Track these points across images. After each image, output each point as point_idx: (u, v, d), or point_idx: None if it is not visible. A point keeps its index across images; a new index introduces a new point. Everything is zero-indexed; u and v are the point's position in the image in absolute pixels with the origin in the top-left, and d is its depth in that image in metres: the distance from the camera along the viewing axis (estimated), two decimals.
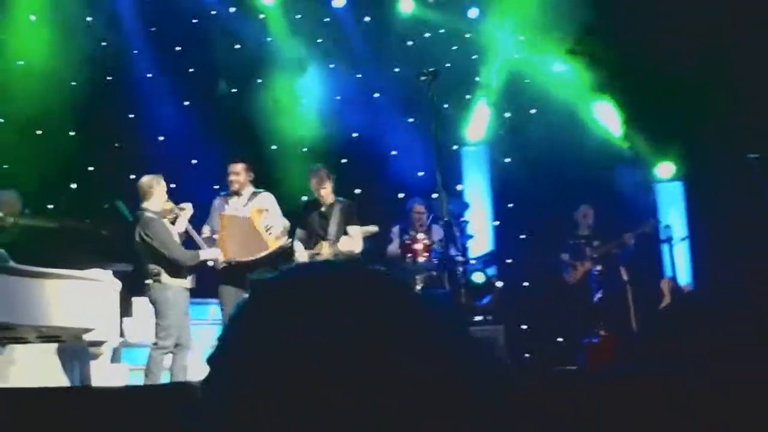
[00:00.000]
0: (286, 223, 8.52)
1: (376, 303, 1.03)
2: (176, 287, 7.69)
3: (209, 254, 7.99)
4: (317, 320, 0.98)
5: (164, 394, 5.32)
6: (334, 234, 8.63)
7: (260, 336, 1.01)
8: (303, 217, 8.77)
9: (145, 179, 7.94)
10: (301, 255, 8.61)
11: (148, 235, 7.67)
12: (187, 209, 8.11)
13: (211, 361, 1.07)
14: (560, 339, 10.49)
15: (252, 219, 8.30)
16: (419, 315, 1.06)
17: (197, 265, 7.84)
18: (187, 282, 7.78)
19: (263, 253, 8.20)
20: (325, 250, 8.59)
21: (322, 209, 8.75)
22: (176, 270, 7.69)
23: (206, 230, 8.45)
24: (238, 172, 8.55)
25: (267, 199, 8.59)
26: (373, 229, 9.08)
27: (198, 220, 8.33)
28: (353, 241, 8.61)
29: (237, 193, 8.55)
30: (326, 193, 8.72)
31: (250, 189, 8.60)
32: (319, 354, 0.96)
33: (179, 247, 7.74)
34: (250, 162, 8.70)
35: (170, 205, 7.97)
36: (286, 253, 8.61)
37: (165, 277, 7.66)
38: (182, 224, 8.05)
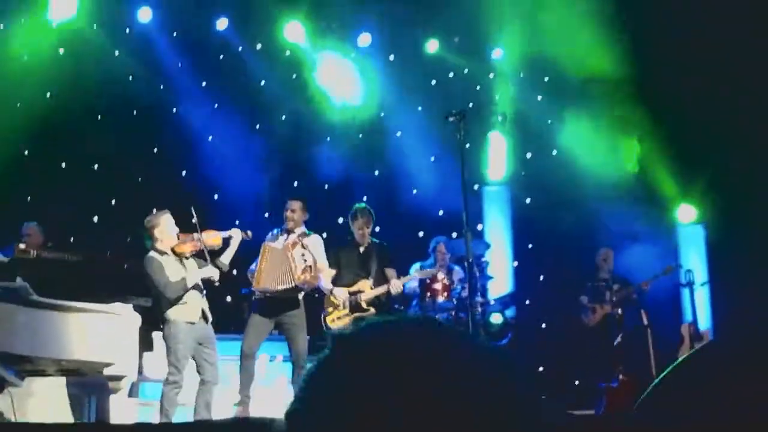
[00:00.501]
0: (325, 265, 8.53)
1: (458, 362, 1.03)
2: (180, 322, 7.66)
3: (203, 273, 7.82)
4: (399, 377, 0.99)
5: None
6: (375, 274, 8.72)
7: (340, 391, 1.01)
8: (337, 256, 8.83)
9: (147, 220, 7.96)
10: (340, 293, 8.64)
11: (144, 274, 7.72)
12: (235, 236, 8.09)
13: (289, 415, 1.06)
14: (579, 382, 10.42)
15: (285, 251, 8.30)
16: (500, 375, 1.07)
17: (183, 288, 7.66)
18: (193, 316, 7.70)
19: (288, 285, 8.20)
20: (367, 289, 8.67)
21: (361, 249, 8.84)
22: (178, 305, 7.69)
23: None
24: (295, 210, 8.58)
25: (314, 241, 8.61)
26: (433, 271, 9.17)
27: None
28: (399, 284, 8.73)
29: (290, 231, 8.56)
30: (368, 233, 8.80)
31: (302, 229, 8.61)
32: (401, 411, 0.96)
33: (167, 281, 7.66)
34: (307, 201, 8.74)
35: (192, 238, 7.91)
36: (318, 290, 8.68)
37: (169, 313, 7.68)
38: (230, 254, 8.03)
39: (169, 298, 7.66)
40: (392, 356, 1.02)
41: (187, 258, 7.90)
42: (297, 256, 8.27)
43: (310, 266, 8.28)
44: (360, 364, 1.02)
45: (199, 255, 7.90)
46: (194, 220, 7.93)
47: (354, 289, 8.75)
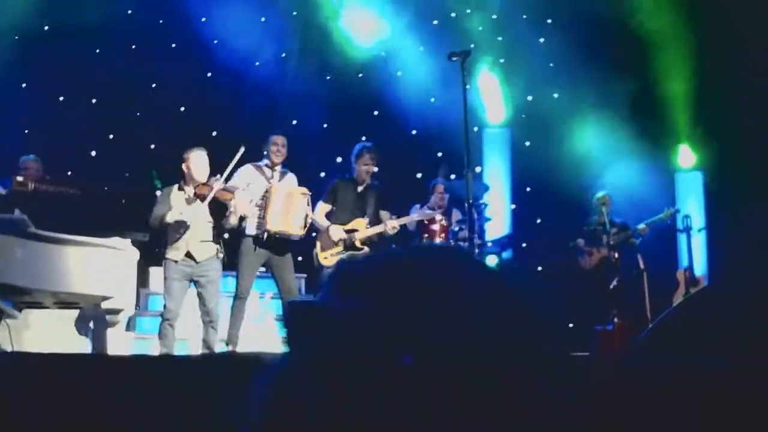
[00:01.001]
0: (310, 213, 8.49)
1: (474, 286, 1.01)
2: (168, 260, 7.75)
3: (187, 212, 7.81)
4: (411, 301, 0.96)
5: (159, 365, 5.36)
6: (371, 214, 8.68)
7: (347, 316, 0.99)
8: (335, 192, 8.77)
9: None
10: (337, 232, 8.60)
11: None
12: (239, 206, 7.99)
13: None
14: (574, 324, 10.48)
15: (300, 198, 8.26)
16: (515, 302, 1.05)
17: (159, 220, 7.72)
18: (177, 255, 7.71)
19: (287, 231, 8.17)
20: (362, 229, 8.64)
21: (359, 188, 8.80)
22: (168, 240, 7.74)
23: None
24: (285, 145, 8.49)
25: (293, 180, 8.57)
26: (432, 213, 9.10)
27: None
28: (395, 224, 8.67)
29: (273, 167, 8.50)
30: (370, 172, 8.74)
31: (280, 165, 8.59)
32: (416, 333, 0.94)
33: (153, 212, 7.77)
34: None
35: (211, 184, 7.83)
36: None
37: (162, 250, 7.76)
38: (234, 219, 7.97)
39: (151, 227, 7.76)
40: (407, 280, 1.00)
41: (202, 201, 7.82)
42: (301, 207, 8.23)
43: (304, 221, 8.26)
44: (363, 285, 1.00)
45: (213, 201, 7.83)
46: (231, 164, 7.89)
47: (349, 227, 8.70)
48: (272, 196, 8.18)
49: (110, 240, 7.49)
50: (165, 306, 7.68)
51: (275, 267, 8.26)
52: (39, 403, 4.12)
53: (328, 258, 8.60)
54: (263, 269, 8.44)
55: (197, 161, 7.89)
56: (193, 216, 7.76)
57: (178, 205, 7.81)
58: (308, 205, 8.32)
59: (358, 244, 8.62)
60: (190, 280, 7.80)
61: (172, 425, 4.23)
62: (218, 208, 7.90)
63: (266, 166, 8.48)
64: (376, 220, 8.76)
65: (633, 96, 11.58)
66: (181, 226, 7.72)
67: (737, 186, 10.59)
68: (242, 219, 8.11)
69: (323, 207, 8.75)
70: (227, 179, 7.92)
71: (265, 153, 8.49)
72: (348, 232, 8.65)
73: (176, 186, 7.92)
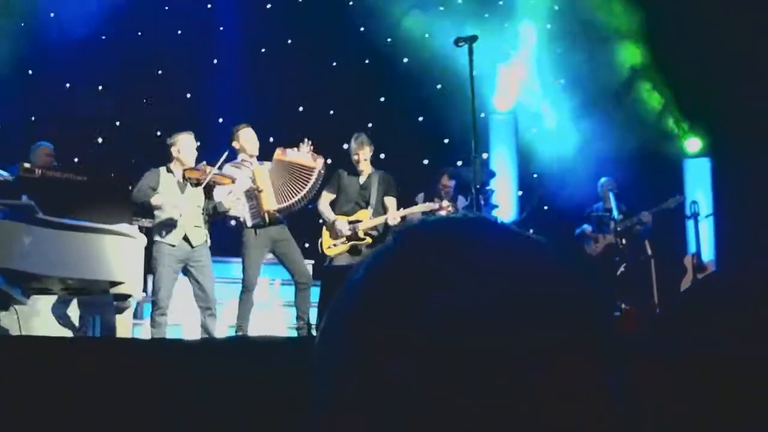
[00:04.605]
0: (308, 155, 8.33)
1: (527, 259, 0.96)
2: (161, 244, 7.67)
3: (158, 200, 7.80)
4: (467, 270, 0.91)
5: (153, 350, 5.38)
6: (375, 204, 8.60)
7: (375, 299, 0.94)
8: (338, 182, 8.69)
9: (169, 137, 7.96)
10: (342, 225, 8.50)
11: None
12: (240, 184, 7.96)
13: (319, 327, 1.02)
14: None
15: (278, 159, 8.20)
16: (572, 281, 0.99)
17: (144, 198, 7.72)
18: (174, 239, 7.66)
19: (288, 204, 8.14)
20: (365, 219, 8.55)
21: (362, 179, 8.70)
22: (164, 224, 7.69)
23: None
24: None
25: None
26: (433, 206, 8.97)
27: None
28: (397, 215, 8.52)
29: (250, 159, 8.32)
30: (366, 160, 8.67)
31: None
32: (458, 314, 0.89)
33: (138, 187, 7.74)
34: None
35: (204, 168, 7.78)
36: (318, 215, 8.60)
37: (154, 234, 7.73)
38: (230, 199, 7.92)
39: (134, 201, 7.76)
40: (459, 248, 0.94)
41: (193, 185, 7.79)
42: (291, 167, 8.17)
43: (302, 174, 8.19)
44: (425, 255, 0.94)
45: (206, 187, 7.80)
46: (224, 156, 7.86)
47: (353, 218, 8.62)
48: (259, 179, 8.07)
49: (118, 226, 7.49)
50: (157, 295, 7.61)
51: (282, 255, 8.17)
52: (47, 386, 4.13)
53: (331, 248, 8.53)
54: (270, 256, 8.39)
55: (185, 145, 7.86)
56: (188, 200, 7.74)
57: (169, 188, 7.77)
58: (297, 150, 8.20)
59: (361, 234, 8.51)
60: (181, 268, 7.77)
61: (186, 408, 4.23)
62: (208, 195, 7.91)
63: (243, 161, 8.31)
64: (381, 209, 8.66)
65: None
66: (177, 209, 7.69)
67: (745, 172, 10.57)
68: (230, 215, 8.09)
69: (327, 196, 8.62)
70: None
71: (236, 148, 8.28)
72: (352, 222, 8.56)
73: (164, 168, 7.85)
